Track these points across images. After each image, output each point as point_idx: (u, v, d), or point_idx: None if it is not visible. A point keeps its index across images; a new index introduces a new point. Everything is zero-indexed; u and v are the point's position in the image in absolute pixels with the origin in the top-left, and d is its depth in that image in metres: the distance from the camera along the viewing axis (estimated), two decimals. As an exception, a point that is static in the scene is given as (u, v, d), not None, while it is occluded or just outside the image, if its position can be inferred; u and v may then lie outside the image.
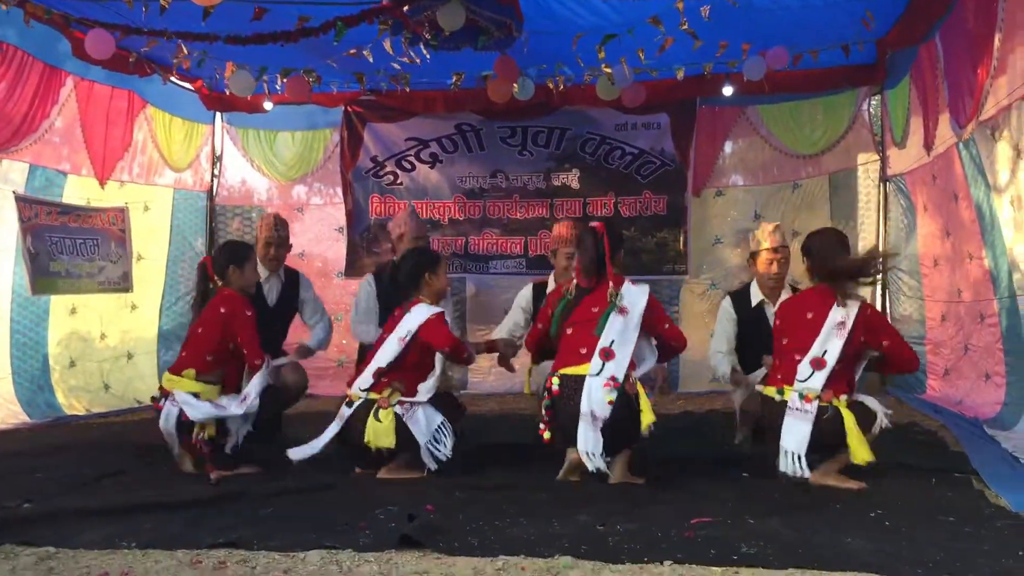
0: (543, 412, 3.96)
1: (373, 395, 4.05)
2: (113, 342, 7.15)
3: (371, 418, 3.97)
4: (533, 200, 7.78)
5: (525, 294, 5.23)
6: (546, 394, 3.97)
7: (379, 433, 3.96)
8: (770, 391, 3.97)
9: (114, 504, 3.37)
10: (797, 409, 3.81)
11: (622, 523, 3.04)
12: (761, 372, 4.43)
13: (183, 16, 4.95)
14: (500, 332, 5.21)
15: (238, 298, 4.39)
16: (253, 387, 4.25)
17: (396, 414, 3.99)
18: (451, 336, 4.21)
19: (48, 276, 6.26)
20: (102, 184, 6.83)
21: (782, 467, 3.78)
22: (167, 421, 4.19)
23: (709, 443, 5.03)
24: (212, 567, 2.69)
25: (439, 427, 4.06)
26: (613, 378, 3.81)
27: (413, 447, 4.00)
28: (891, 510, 3.24)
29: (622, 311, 3.94)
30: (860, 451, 3.68)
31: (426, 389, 4.12)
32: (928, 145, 5.98)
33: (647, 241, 7.57)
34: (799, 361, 3.88)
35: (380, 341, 4.25)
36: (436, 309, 4.24)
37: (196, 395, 4.19)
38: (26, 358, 6.24)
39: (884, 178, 7.24)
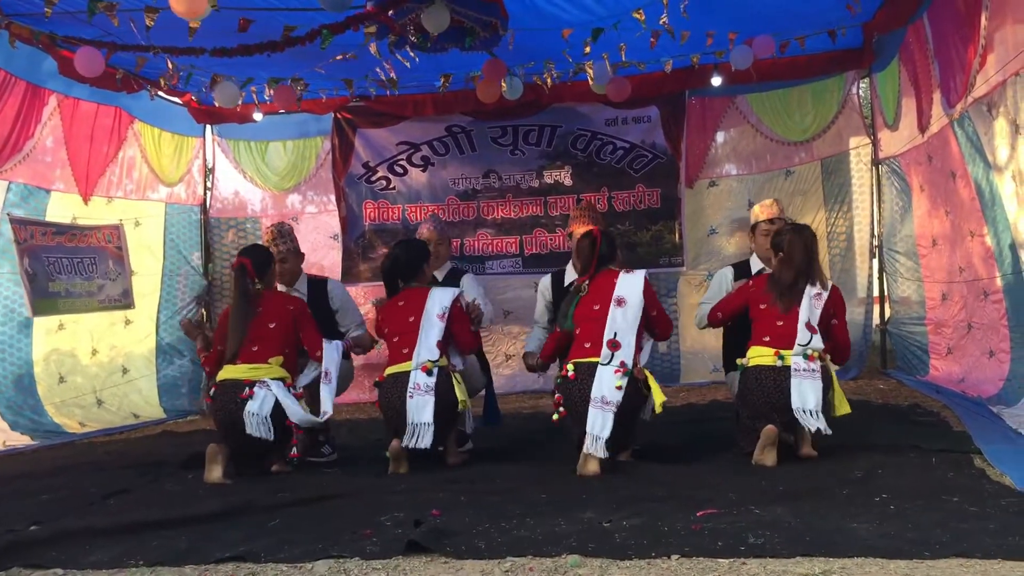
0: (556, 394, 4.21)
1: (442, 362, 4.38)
2: (105, 358, 7.11)
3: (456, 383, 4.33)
4: (526, 199, 7.78)
5: (545, 283, 5.33)
6: (560, 380, 4.19)
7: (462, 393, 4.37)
8: (766, 357, 4.06)
9: (121, 523, 3.36)
10: (804, 370, 3.98)
11: (628, 519, 3.03)
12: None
13: (169, 31, 4.95)
14: (535, 323, 5.30)
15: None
16: (326, 396, 4.43)
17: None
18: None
19: (48, 297, 6.24)
20: (85, 200, 6.80)
21: (807, 424, 3.89)
22: (262, 407, 4.22)
23: (711, 432, 5.02)
24: (220, 582, 2.68)
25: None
26: (623, 363, 4.02)
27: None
28: (895, 493, 3.24)
29: (619, 303, 4.11)
30: (843, 404, 4.07)
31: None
32: (923, 126, 5.98)
33: (642, 234, 7.56)
34: (782, 326, 4.07)
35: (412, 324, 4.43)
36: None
37: (283, 380, 4.35)
38: (8, 376, 6.17)
39: (876, 161, 7.24)
